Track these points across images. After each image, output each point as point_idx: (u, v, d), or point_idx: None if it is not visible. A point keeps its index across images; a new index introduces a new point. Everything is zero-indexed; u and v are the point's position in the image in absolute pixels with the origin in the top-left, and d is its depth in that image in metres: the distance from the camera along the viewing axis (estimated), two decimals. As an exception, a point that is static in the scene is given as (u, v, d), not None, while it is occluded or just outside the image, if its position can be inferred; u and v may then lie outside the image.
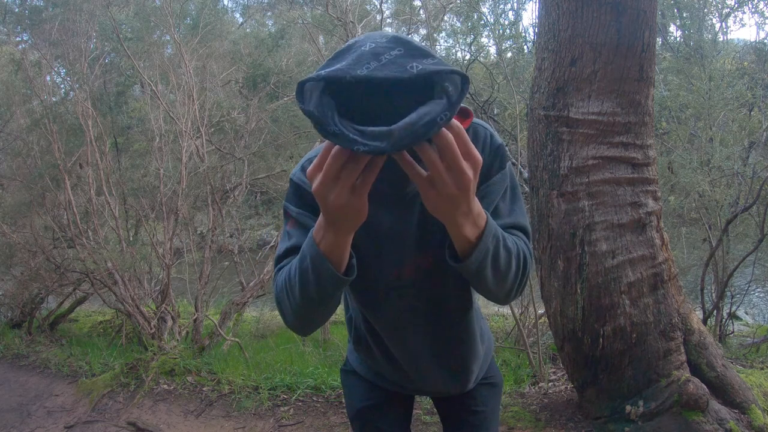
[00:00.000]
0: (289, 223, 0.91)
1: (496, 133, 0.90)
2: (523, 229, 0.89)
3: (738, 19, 5.32)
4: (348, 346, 1.22)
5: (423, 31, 8.46)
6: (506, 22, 4.87)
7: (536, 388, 3.06)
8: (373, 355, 1.11)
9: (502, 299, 0.88)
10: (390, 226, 0.90)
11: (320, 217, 0.74)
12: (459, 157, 0.64)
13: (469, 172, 0.65)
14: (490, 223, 0.76)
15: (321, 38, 7.47)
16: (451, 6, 6.57)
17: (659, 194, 2.43)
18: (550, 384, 3.06)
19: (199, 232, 5.97)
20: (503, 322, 5.35)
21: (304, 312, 0.84)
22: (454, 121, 0.63)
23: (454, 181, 0.65)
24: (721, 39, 5.15)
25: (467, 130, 0.85)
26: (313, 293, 0.79)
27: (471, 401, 1.18)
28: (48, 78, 5.81)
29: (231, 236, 5.74)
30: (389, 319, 1.01)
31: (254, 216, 7.66)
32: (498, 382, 1.24)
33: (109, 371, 3.64)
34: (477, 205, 0.73)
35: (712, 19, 4.99)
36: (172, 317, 4.44)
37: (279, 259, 0.89)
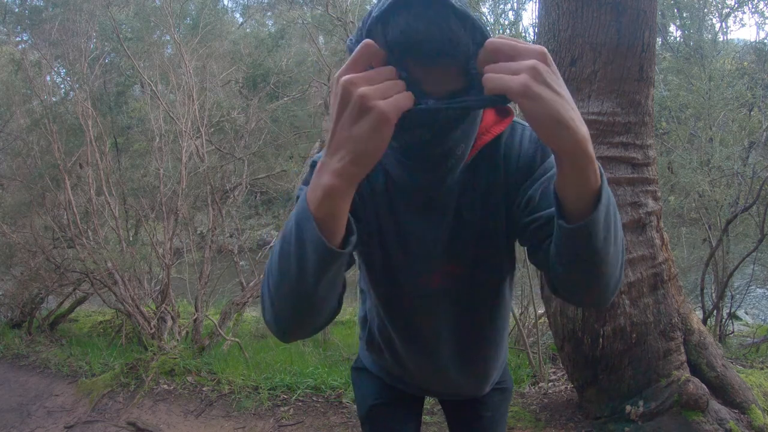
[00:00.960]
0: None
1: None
2: None
3: (738, 19, 5.31)
4: (360, 344, 1.20)
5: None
6: (506, 22, 4.86)
7: (536, 388, 3.06)
8: (385, 358, 1.09)
9: (615, 282, 0.69)
10: (421, 232, 0.86)
11: (322, 158, 0.62)
12: (513, 41, 0.59)
13: (536, 47, 0.58)
14: (599, 165, 0.63)
15: (321, 38, 7.47)
16: (451, 6, 6.56)
17: (659, 194, 2.43)
18: (550, 384, 3.06)
19: (199, 232, 5.97)
20: (503, 322, 5.34)
21: (281, 300, 0.67)
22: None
23: (527, 52, 0.57)
24: (721, 39, 5.15)
25: (506, 130, 0.84)
26: (293, 268, 0.63)
27: (482, 405, 1.16)
28: (48, 78, 5.82)
29: (231, 236, 5.74)
30: (413, 327, 0.98)
31: (254, 216, 7.66)
32: (509, 387, 1.22)
33: (109, 371, 3.64)
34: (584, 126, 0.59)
35: (712, 19, 4.99)
36: (172, 317, 4.43)
37: None
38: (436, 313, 0.95)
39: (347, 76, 0.59)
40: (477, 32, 0.63)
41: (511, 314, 1.09)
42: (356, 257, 0.92)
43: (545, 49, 0.58)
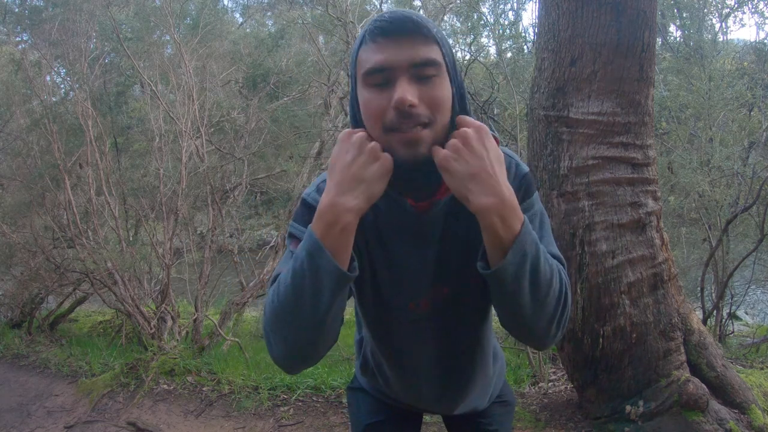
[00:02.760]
0: (293, 243, 0.84)
1: (522, 162, 0.88)
2: (557, 258, 0.83)
3: (738, 19, 5.32)
4: (356, 366, 1.21)
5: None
6: (506, 22, 4.87)
7: (536, 388, 3.06)
8: (378, 382, 1.11)
9: (542, 332, 0.79)
10: (409, 258, 0.90)
11: (331, 198, 0.73)
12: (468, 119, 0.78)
13: (470, 126, 0.75)
14: (527, 225, 0.72)
15: (321, 38, 7.47)
16: (451, 6, 6.57)
17: (659, 194, 2.43)
18: (550, 384, 3.06)
19: (199, 232, 5.97)
20: (503, 322, 5.33)
21: (293, 332, 0.75)
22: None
23: (462, 131, 0.75)
24: (721, 39, 5.15)
25: None
26: (307, 298, 0.72)
27: (484, 420, 1.16)
28: (48, 78, 5.81)
29: (231, 236, 5.74)
30: (400, 351, 1.01)
31: (254, 216, 7.65)
32: (511, 401, 1.23)
33: (109, 371, 3.64)
34: (510, 196, 0.72)
35: (712, 19, 5.00)
36: (172, 317, 4.43)
37: (275, 280, 0.80)
38: (422, 338, 0.97)
39: (361, 133, 0.77)
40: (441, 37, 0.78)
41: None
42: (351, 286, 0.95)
43: (477, 127, 0.74)
